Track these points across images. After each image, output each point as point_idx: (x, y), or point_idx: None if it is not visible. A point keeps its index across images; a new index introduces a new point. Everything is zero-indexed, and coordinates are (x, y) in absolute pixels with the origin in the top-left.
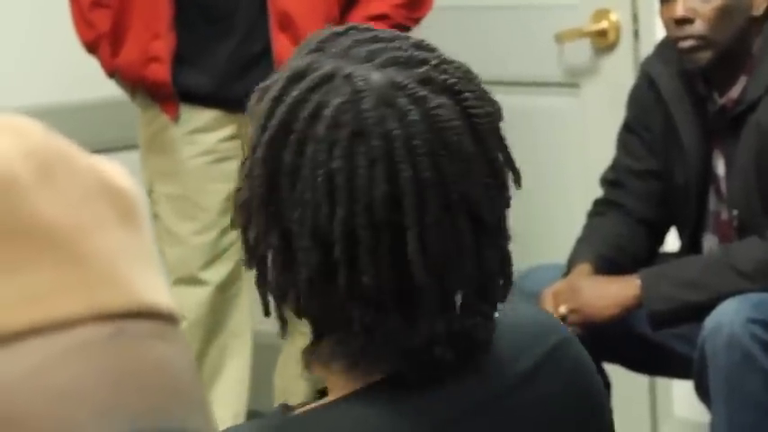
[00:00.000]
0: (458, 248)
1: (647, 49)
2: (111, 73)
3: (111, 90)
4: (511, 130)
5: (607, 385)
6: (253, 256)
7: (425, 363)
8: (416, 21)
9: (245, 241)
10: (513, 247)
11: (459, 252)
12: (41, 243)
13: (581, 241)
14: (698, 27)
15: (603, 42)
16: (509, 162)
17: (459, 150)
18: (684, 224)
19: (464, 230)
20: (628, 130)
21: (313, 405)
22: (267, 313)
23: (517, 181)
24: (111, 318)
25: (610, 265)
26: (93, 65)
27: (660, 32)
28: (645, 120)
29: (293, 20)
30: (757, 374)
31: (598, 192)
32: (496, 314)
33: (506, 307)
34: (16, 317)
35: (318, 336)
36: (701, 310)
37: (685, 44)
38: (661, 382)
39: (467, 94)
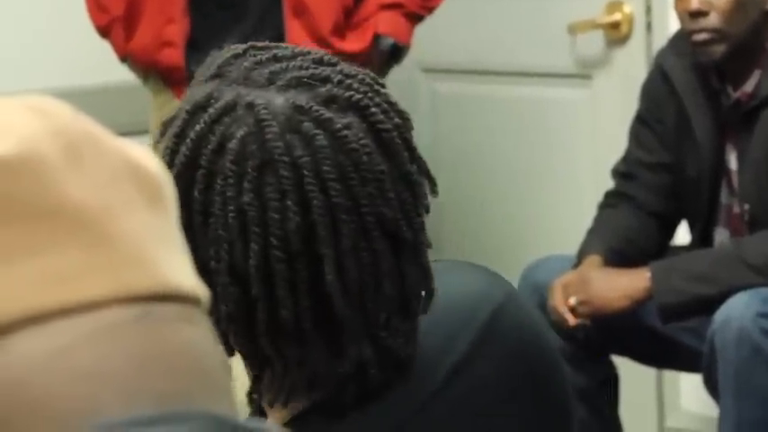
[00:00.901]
0: (377, 271)
1: (659, 41)
2: (124, 57)
3: (122, 75)
4: (522, 121)
5: (615, 377)
6: None
7: (356, 387)
8: (430, 10)
9: None
10: (524, 238)
11: (378, 275)
12: (69, 224)
13: (591, 233)
14: (712, 20)
15: (616, 34)
16: (423, 172)
17: (371, 170)
18: (696, 217)
19: (382, 251)
20: (640, 122)
21: None
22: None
23: (433, 190)
24: (137, 300)
25: (620, 258)
26: (105, 49)
27: (673, 25)
28: (657, 112)
29: (307, 6)
30: (766, 369)
31: (609, 183)
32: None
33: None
34: (44, 298)
35: (256, 374)
36: (710, 304)
37: (699, 37)
38: (668, 374)
39: (373, 110)
